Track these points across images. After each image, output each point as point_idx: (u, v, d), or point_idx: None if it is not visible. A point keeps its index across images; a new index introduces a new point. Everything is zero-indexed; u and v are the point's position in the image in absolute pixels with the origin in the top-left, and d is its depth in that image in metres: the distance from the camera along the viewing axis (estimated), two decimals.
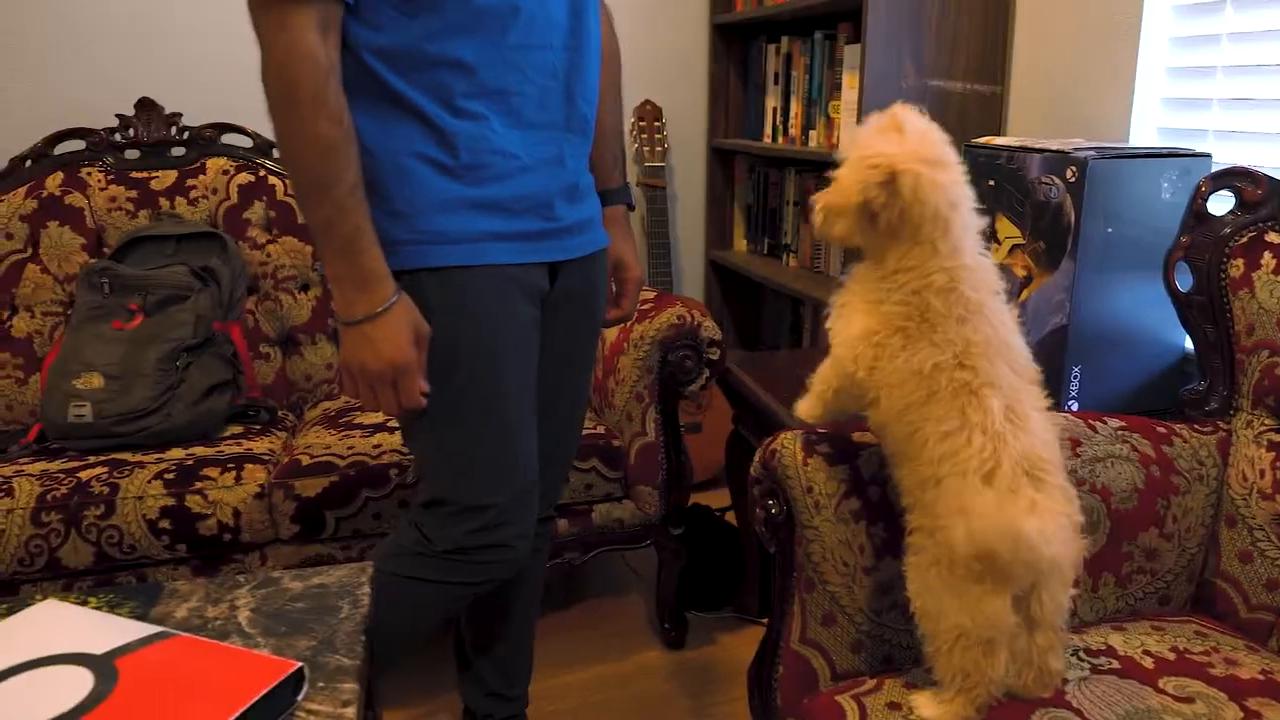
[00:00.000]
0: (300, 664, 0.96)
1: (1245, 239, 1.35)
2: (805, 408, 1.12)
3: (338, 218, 1.08)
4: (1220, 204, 1.39)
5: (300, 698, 0.95)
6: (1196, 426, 1.37)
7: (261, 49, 1.06)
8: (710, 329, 1.81)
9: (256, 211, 2.18)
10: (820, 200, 1.05)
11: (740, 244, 2.93)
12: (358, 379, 1.14)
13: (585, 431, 1.85)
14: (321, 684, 0.98)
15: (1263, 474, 1.28)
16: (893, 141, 0.98)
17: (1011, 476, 0.94)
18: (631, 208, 1.48)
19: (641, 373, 1.82)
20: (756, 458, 1.21)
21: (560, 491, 1.49)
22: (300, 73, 1.04)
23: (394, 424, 1.88)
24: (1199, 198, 1.39)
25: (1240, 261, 1.34)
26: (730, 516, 2.17)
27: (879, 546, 1.15)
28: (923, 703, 1.03)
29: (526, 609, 1.53)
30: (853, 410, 1.08)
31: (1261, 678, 1.12)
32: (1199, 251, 1.38)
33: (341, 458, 1.73)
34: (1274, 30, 1.57)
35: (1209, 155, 1.57)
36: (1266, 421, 1.31)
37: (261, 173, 2.20)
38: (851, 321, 1.03)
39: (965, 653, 0.97)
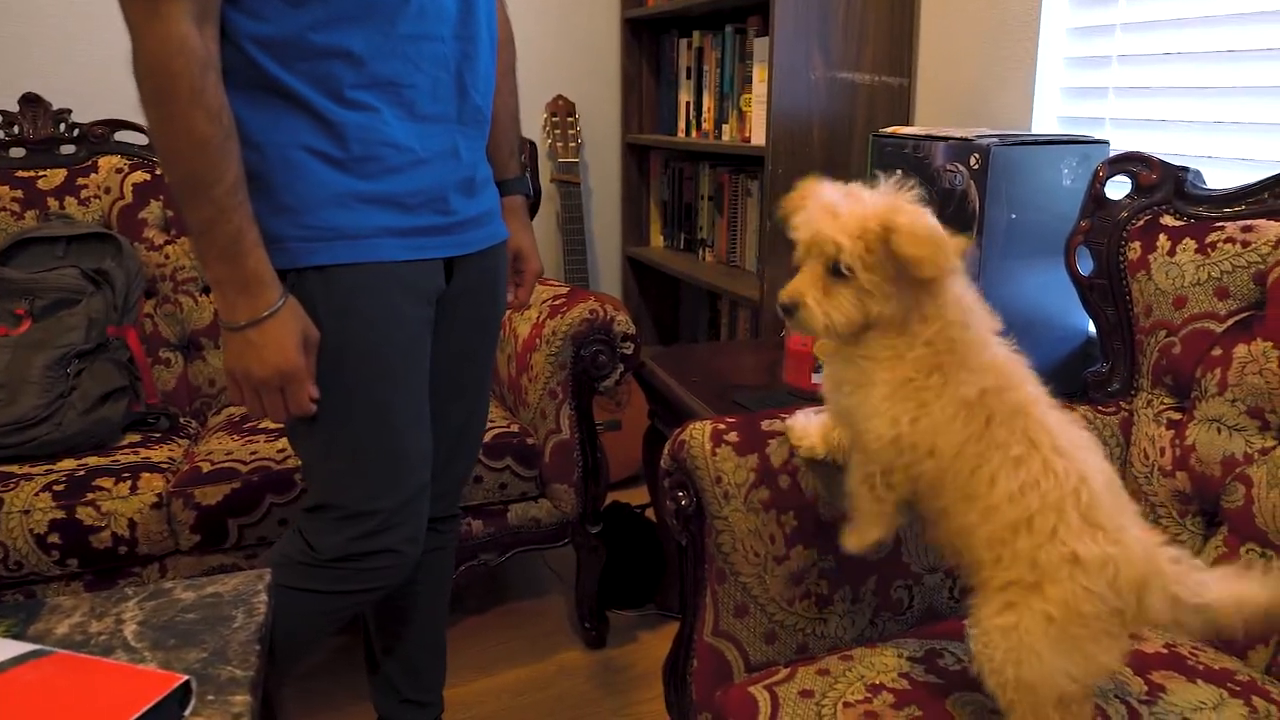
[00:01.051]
0: (187, 677, 0.91)
1: (1141, 222, 1.37)
2: (859, 536, 1.02)
3: (218, 219, 1.02)
4: (1117, 189, 1.41)
5: (187, 713, 0.90)
6: (1100, 408, 1.39)
7: (132, 39, 0.99)
8: (623, 323, 1.79)
9: (153, 211, 2.09)
10: (800, 289, 0.94)
11: (657, 240, 2.92)
12: (243, 386, 1.09)
13: (499, 430, 1.81)
14: (211, 697, 0.93)
15: (1163, 452, 1.30)
16: (856, 206, 0.92)
17: (1112, 509, 0.91)
18: (529, 197, 1.45)
19: (554, 369, 1.79)
20: (665, 449, 1.20)
21: (464, 489, 1.45)
22: (175, 66, 0.98)
23: None
24: (1097, 183, 1.42)
25: (1137, 244, 1.37)
26: (650, 513, 2.15)
27: (789, 535, 1.14)
28: None
29: (435, 611, 1.48)
30: (909, 492, 0.98)
31: (1165, 651, 1.14)
32: (1098, 235, 1.41)
33: (244, 463, 1.66)
34: (1164, 20, 1.61)
35: (1107, 142, 1.60)
36: (1165, 400, 1.33)
37: (158, 171, 2.11)
38: (873, 388, 0.95)
39: (1066, 712, 0.90)
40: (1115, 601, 0.89)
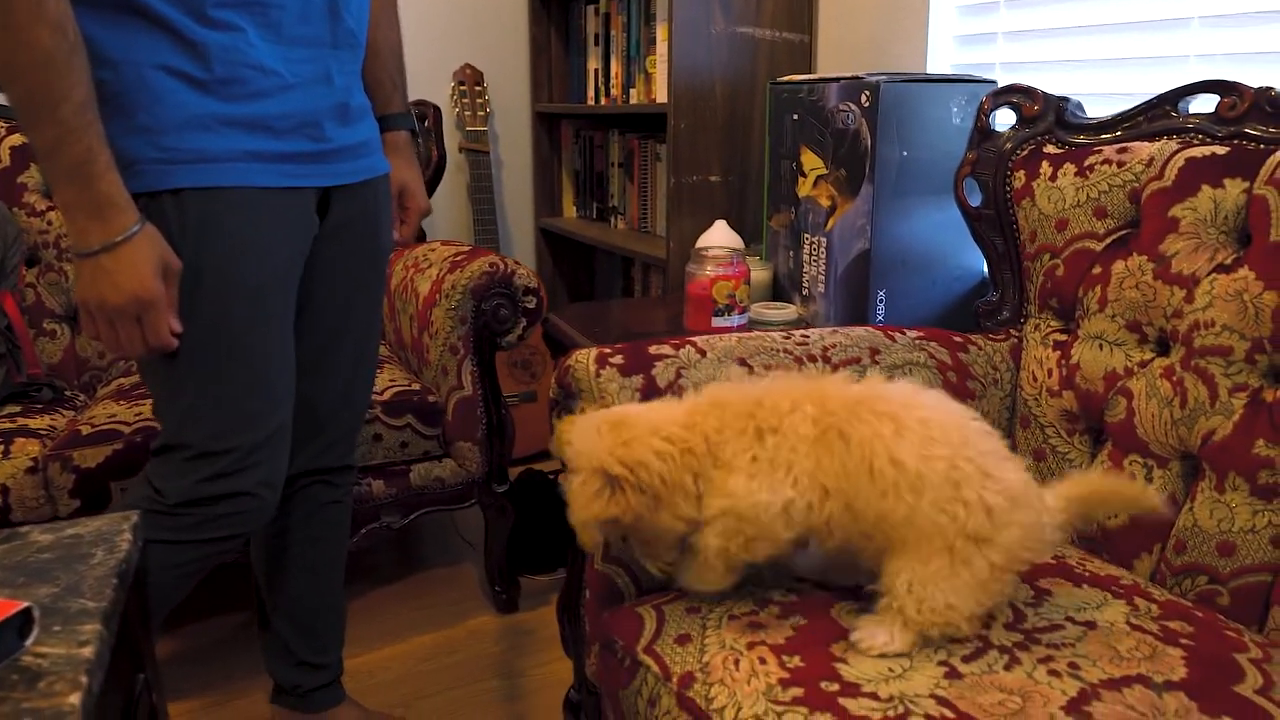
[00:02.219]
0: (27, 605, 0.86)
1: (1026, 152, 1.39)
2: (702, 583, 1.01)
3: (66, 139, 0.96)
4: (1002, 122, 1.43)
5: (28, 643, 0.85)
6: (991, 336, 1.40)
7: None
8: (525, 276, 1.76)
9: (34, 176, 2.00)
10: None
11: (570, 210, 2.89)
12: (96, 316, 1.03)
13: (399, 388, 1.77)
14: (58, 628, 0.88)
15: (1050, 373, 1.32)
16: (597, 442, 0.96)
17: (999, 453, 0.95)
18: (414, 133, 1.41)
19: (455, 324, 1.75)
20: (554, 378, 1.17)
21: (356, 437, 1.40)
22: None
23: None
24: (982, 114, 1.43)
25: (1022, 173, 1.38)
26: (563, 479, 2.12)
27: None
28: None
29: (331, 568, 1.43)
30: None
31: (1054, 561, 1.15)
32: (984, 166, 1.42)
33: (127, 424, 1.59)
34: None
35: (994, 81, 1.63)
36: (1052, 323, 1.35)
37: None
38: (727, 483, 0.94)
39: (975, 624, 0.95)
40: (1040, 538, 0.95)
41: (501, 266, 1.74)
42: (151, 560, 1.14)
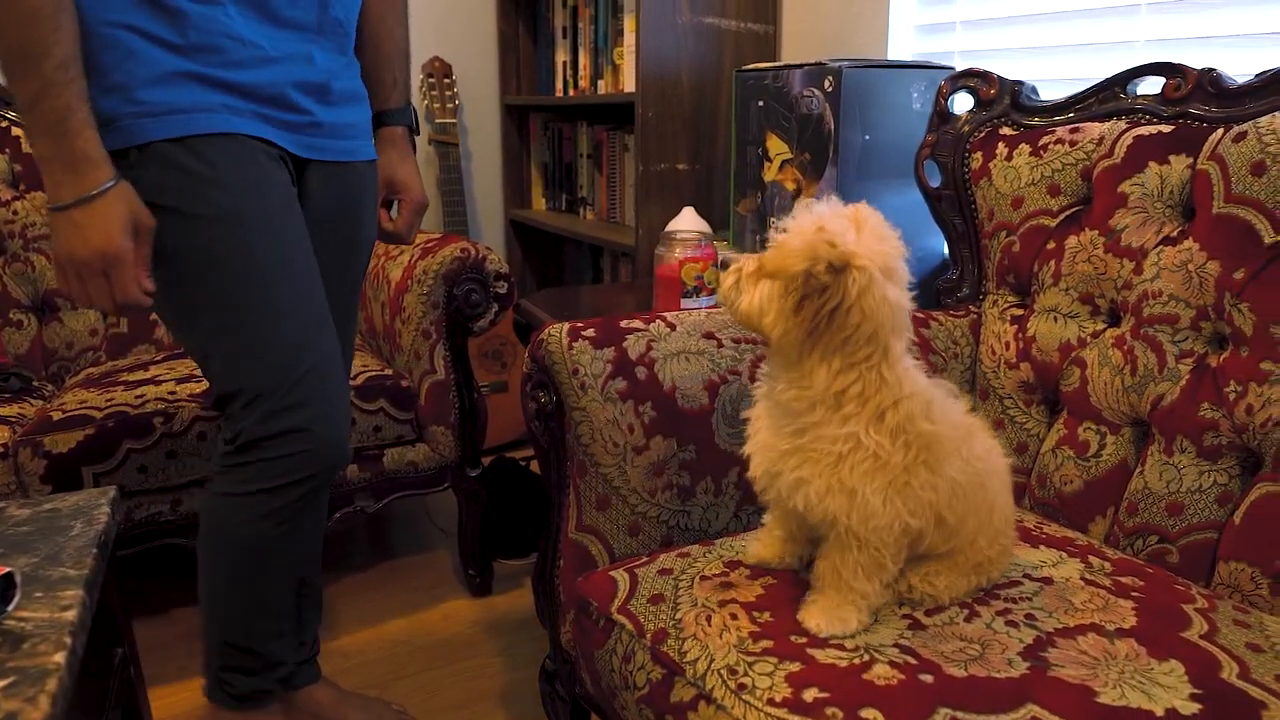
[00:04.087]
0: (9, 569, 0.88)
1: (983, 134, 1.43)
2: (846, 620, 0.93)
3: (46, 93, 0.99)
4: (960, 106, 1.47)
5: (11, 607, 0.87)
6: (952, 313, 1.45)
7: None
8: (496, 262, 1.78)
9: None
10: (747, 264, 0.91)
11: (539, 203, 2.91)
12: (66, 270, 1.05)
13: (371, 373, 1.78)
14: (40, 594, 0.89)
15: (1008, 346, 1.36)
16: (850, 234, 0.86)
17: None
18: (414, 130, 1.41)
19: (427, 308, 1.77)
20: (527, 353, 1.20)
21: None
22: None
23: (163, 376, 1.75)
24: (941, 98, 1.47)
25: (979, 155, 1.43)
26: (535, 465, 2.14)
27: (648, 425, 1.15)
28: None
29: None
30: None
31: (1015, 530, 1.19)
32: (943, 149, 1.47)
33: (99, 410, 1.59)
34: None
35: (953, 68, 1.67)
36: (1009, 299, 1.39)
37: (4, 123, 2.01)
38: (861, 490, 0.89)
39: None
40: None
41: (473, 252, 1.76)
42: (243, 515, 1.17)
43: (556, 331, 1.16)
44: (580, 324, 1.18)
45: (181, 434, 1.59)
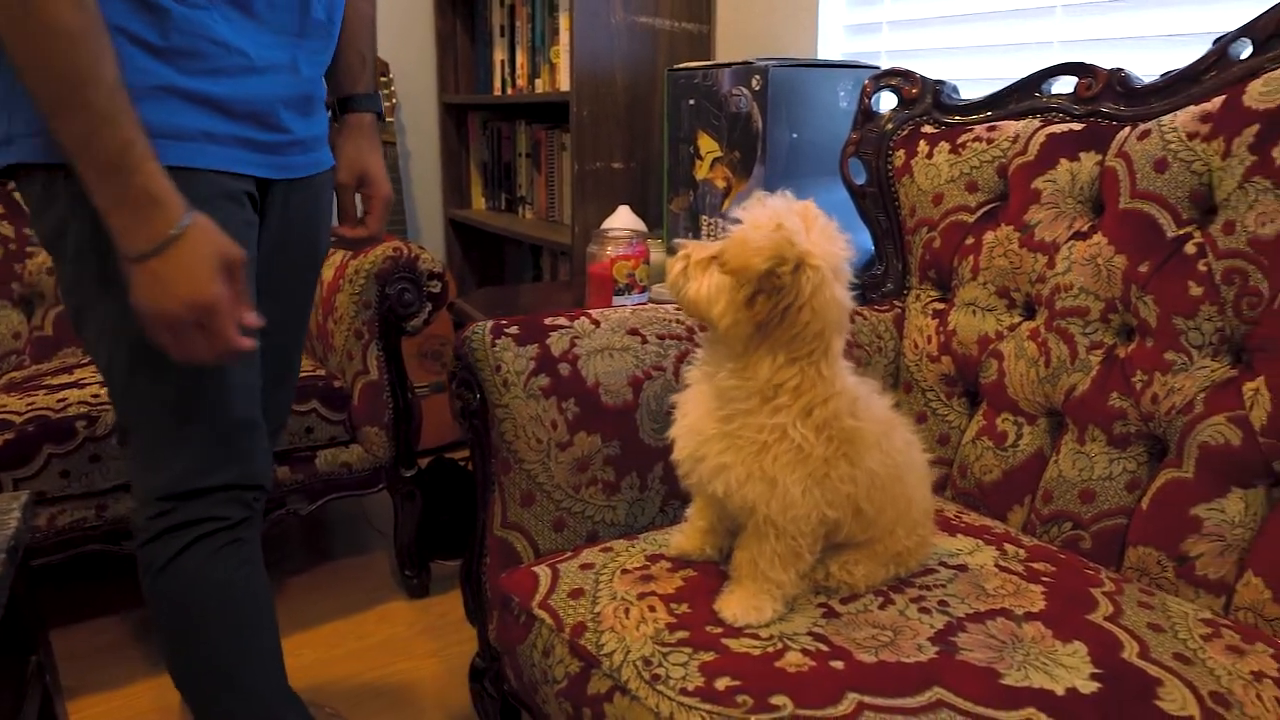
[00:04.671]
0: None
1: (905, 132, 1.46)
2: (761, 610, 0.94)
3: (100, 129, 0.86)
4: (885, 104, 1.50)
5: None
6: (876, 307, 1.47)
7: None
8: (429, 261, 1.77)
9: None
10: (696, 251, 0.92)
11: (479, 202, 2.90)
12: (156, 326, 0.93)
13: (304, 375, 1.76)
14: None
15: (929, 339, 1.39)
16: (803, 232, 0.88)
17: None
18: (381, 117, 1.30)
19: (359, 308, 1.76)
20: (452, 352, 1.19)
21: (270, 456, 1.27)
22: None
23: (88, 379, 1.72)
24: (865, 96, 1.50)
25: (902, 152, 1.45)
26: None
27: (571, 422, 1.15)
28: None
29: None
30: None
31: (935, 520, 1.21)
32: (867, 146, 1.49)
33: (18, 414, 1.56)
34: None
35: (879, 67, 1.70)
36: (931, 293, 1.42)
37: None
38: (781, 480, 0.91)
39: None
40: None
41: (405, 251, 1.75)
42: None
43: (480, 329, 1.16)
44: (504, 321, 1.18)
45: (105, 437, 1.56)
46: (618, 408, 1.18)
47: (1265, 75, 1.08)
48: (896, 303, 1.47)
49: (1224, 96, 1.11)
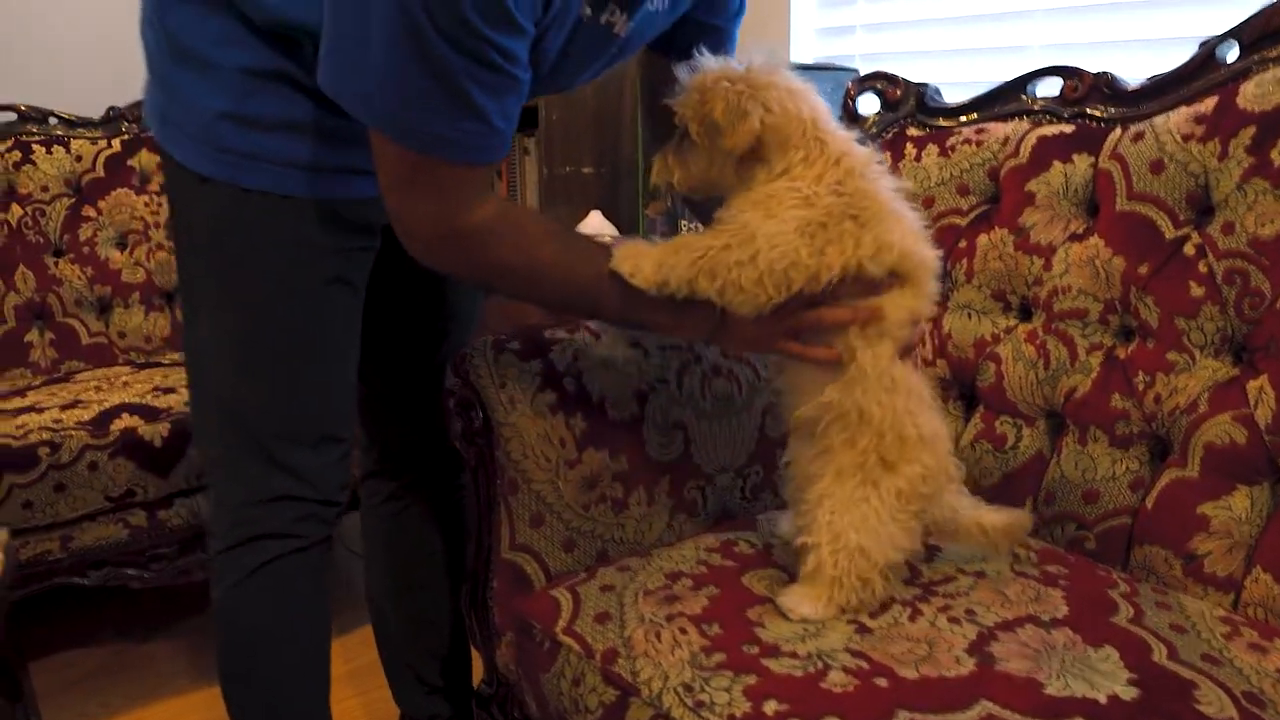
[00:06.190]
0: None
1: (890, 135, 1.46)
2: (650, 269, 0.93)
3: (606, 299, 0.97)
4: (866, 107, 1.50)
5: None
6: None
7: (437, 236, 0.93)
8: None
9: None
10: (663, 152, 0.98)
11: None
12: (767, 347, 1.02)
13: None
14: None
15: (924, 343, 1.39)
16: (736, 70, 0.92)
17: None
18: None
19: None
20: (449, 370, 1.15)
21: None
22: (501, 240, 0.94)
23: (44, 403, 1.63)
24: (849, 99, 1.49)
25: (888, 155, 1.45)
26: None
27: (579, 438, 1.13)
28: None
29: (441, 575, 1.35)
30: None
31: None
32: None
33: None
34: None
35: (855, 70, 1.70)
36: None
37: None
38: (783, 222, 0.90)
39: (886, 580, 0.97)
40: (937, 485, 0.99)
41: None
42: None
43: (482, 346, 1.13)
44: (504, 336, 1.15)
45: (70, 465, 1.49)
46: (624, 422, 1.16)
47: (1256, 77, 1.10)
48: None
49: (1216, 98, 1.12)
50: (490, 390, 1.11)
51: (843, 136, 0.96)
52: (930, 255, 0.98)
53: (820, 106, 0.96)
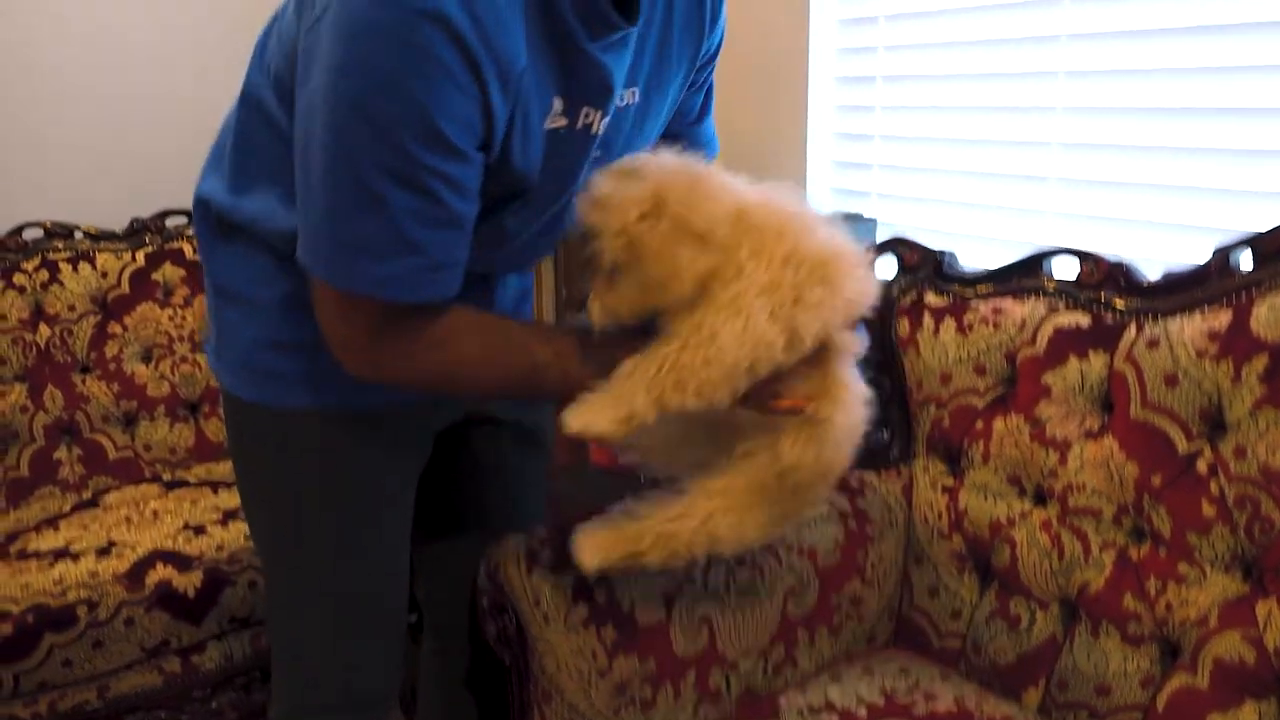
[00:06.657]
0: None
1: (908, 300, 1.49)
2: (606, 413, 0.87)
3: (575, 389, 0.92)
4: (885, 268, 1.53)
5: None
6: (883, 473, 1.50)
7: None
8: None
9: None
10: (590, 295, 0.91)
11: None
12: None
13: None
14: None
15: (940, 515, 1.42)
16: (626, 189, 0.86)
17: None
18: None
19: None
20: (482, 570, 1.19)
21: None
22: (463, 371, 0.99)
23: (77, 544, 1.67)
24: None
25: (906, 321, 1.48)
26: None
27: (610, 648, 1.16)
28: None
29: None
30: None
31: (955, 708, 1.25)
32: (872, 312, 1.51)
33: (15, 601, 1.51)
34: (912, 105, 1.76)
35: (874, 220, 1.73)
36: (939, 467, 1.46)
37: None
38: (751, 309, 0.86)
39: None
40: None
41: None
42: None
43: (514, 557, 1.16)
44: (535, 545, 1.18)
45: (107, 622, 1.53)
46: (652, 626, 1.20)
47: (1270, 300, 1.12)
48: (904, 469, 1.50)
49: (1231, 316, 1.15)
50: (524, 604, 1.14)
51: (758, 199, 0.92)
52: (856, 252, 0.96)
53: (728, 184, 0.92)
